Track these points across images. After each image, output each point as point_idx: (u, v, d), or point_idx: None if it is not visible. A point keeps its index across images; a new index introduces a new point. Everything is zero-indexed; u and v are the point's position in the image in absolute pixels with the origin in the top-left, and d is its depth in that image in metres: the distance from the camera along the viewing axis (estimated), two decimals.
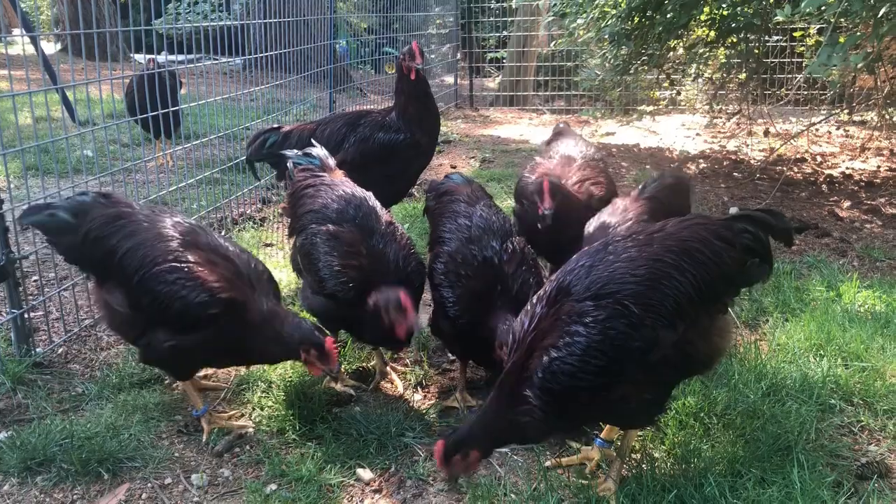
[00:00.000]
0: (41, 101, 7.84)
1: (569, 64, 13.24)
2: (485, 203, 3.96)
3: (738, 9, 6.89)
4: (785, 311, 4.60)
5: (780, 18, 5.02)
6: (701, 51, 8.49)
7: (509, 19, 14.52)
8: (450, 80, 14.17)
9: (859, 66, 5.15)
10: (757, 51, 8.62)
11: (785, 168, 8.68)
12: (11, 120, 5.67)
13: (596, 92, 11.37)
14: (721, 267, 2.82)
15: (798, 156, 9.26)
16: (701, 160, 9.21)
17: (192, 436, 3.49)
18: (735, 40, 8.07)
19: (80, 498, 3.04)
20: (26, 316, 4.01)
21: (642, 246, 2.83)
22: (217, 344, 3.24)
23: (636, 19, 8.09)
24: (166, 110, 5.77)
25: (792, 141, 9.34)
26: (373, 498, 3.08)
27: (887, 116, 8.51)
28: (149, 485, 3.14)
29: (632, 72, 8.56)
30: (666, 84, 9.36)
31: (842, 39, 5.77)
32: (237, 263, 3.32)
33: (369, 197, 3.89)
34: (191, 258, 3.20)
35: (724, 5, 7.08)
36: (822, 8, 5.49)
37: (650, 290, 2.68)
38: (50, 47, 18.98)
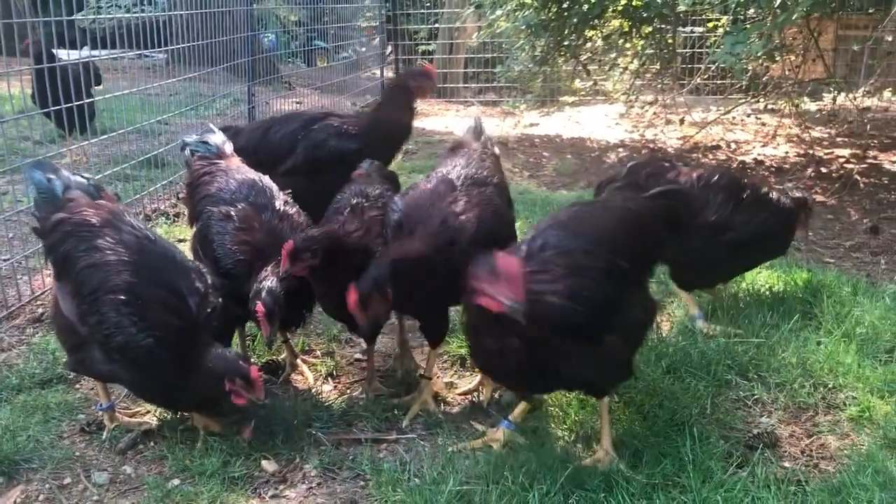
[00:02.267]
0: None
1: (498, 56, 13.33)
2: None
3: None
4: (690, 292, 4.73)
5: (682, 8, 5.15)
6: (618, 41, 8.65)
7: (438, 11, 14.54)
8: (379, 72, 14.10)
9: (759, 54, 5.31)
10: (672, 41, 8.84)
11: (700, 155, 8.93)
12: None
13: (520, 83, 11.50)
14: (651, 235, 3.31)
15: (713, 143, 9.52)
16: (620, 149, 9.39)
17: (94, 434, 3.43)
18: (650, 30, 8.24)
19: None
20: None
21: (602, 215, 3.31)
22: (149, 383, 3.17)
23: (553, 10, 8.21)
24: (70, 105, 5.60)
25: (707, 129, 9.60)
26: (277, 489, 3.08)
27: (795, 104, 8.80)
28: (47, 485, 3.07)
29: (550, 62, 8.67)
30: (584, 75, 9.49)
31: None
32: (187, 301, 3.13)
33: (264, 178, 3.86)
34: (145, 293, 3.05)
35: None
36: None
37: (626, 248, 3.06)
38: None
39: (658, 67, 8.90)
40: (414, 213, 3.41)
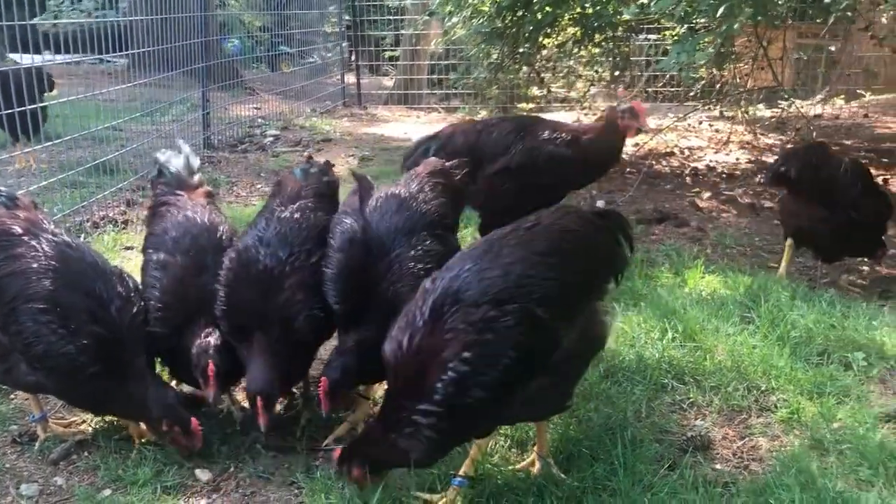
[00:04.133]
0: None
1: (459, 62, 13.37)
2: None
3: (600, 8, 7.14)
4: (633, 296, 4.79)
5: (626, 17, 5.23)
6: (572, 49, 8.74)
7: (402, 18, 14.57)
8: (345, 78, 14.07)
9: (704, 62, 5.41)
10: (627, 48, 8.96)
11: (654, 161, 9.04)
12: None
13: (477, 90, 11.54)
14: (598, 253, 2.98)
15: (667, 150, 9.65)
16: None
17: (27, 446, 3.38)
18: (602, 38, 8.34)
19: None
20: None
21: (527, 243, 2.83)
22: (76, 392, 3.15)
23: (508, 18, 8.27)
24: (20, 110, 5.54)
25: (662, 136, 9.72)
26: (210, 498, 3.06)
27: (745, 112, 8.96)
28: None
29: (505, 70, 8.74)
30: (538, 83, 9.57)
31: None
32: (113, 314, 3.11)
33: (217, 228, 3.64)
34: (65, 301, 3.02)
35: (586, 4, 7.32)
36: (672, 7, 5.76)
37: (550, 290, 2.68)
38: None
39: (612, 75, 8.98)
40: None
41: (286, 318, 3.18)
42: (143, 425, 3.33)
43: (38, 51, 11.72)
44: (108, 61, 13.28)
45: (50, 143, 6.52)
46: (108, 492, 3.05)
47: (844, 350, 4.03)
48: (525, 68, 9.17)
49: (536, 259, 2.74)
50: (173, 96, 9.50)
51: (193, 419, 3.09)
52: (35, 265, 3.05)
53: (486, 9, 8.31)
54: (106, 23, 8.50)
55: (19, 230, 3.15)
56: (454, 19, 8.78)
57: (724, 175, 8.46)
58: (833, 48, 8.66)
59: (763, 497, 2.90)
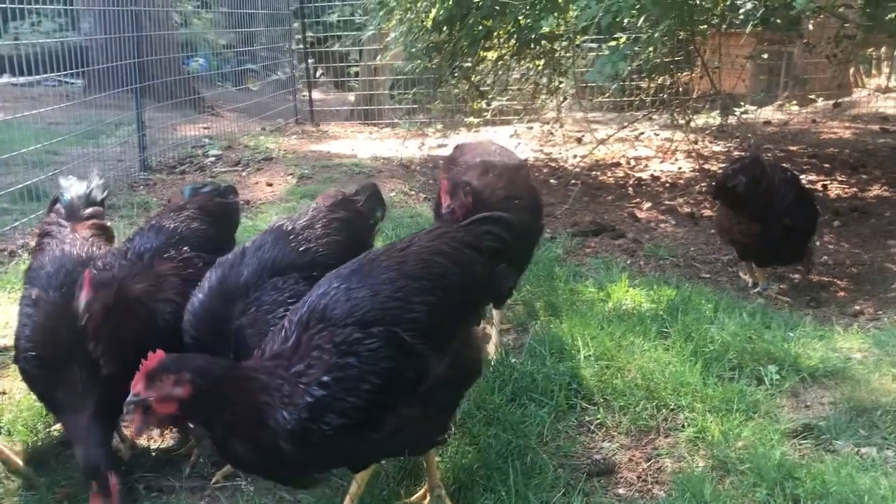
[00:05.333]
0: None
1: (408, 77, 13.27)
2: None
3: (531, 21, 7.07)
4: (554, 313, 4.69)
5: (545, 29, 5.16)
6: (510, 61, 8.69)
7: (360, 34, 14.47)
8: (306, 94, 13.93)
9: (626, 72, 5.35)
10: (570, 58, 8.89)
11: (599, 172, 9.00)
12: None
13: (420, 105, 11.39)
14: (474, 276, 2.79)
15: (614, 160, 9.60)
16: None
17: None
18: (539, 50, 8.29)
19: None
20: None
21: (398, 265, 2.70)
22: None
23: (444, 31, 8.19)
24: None
25: (607, 147, 9.69)
26: None
27: (686, 120, 8.96)
28: None
29: (444, 84, 8.66)
30: (476, 96, 9.50)
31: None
32: None
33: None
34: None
35: (519, 17, 7.25)
36: (594, 18, 5.69)
37: (420, 314, 2.56)
38: None
39: (552, 86, 8.93)
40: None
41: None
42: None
43: None
44: (67, 83, 13.12)
45: None
46: None
47: (758, 363, 3.95)
48: (464, 82, 9.08)
49: (406, 281, 2.62)
50: (124, 117, 9.32)
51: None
52: None
53: (427, 24, 8.23)
54: (63, 44, 8.41)
55: None
56: (392, 34, 8.69)
57: (667, 184, 8.42)
58: (766, 56, 8.63)
59: None
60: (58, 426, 3.60)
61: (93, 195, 3.96)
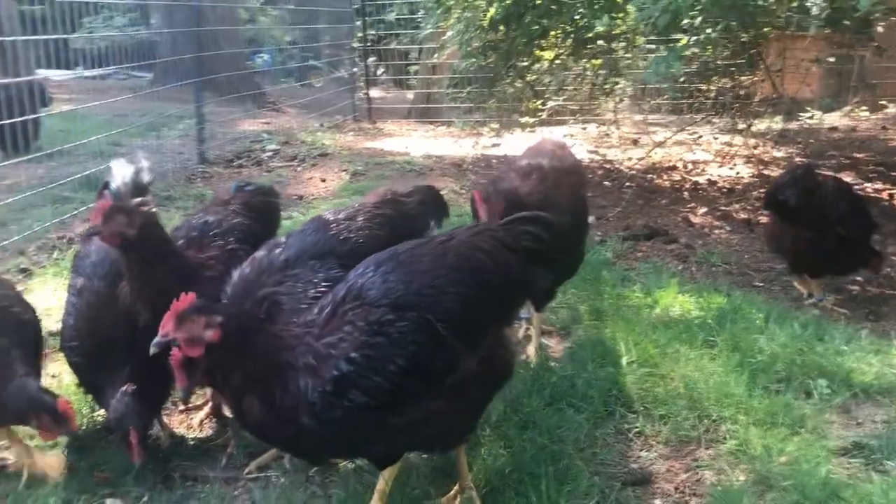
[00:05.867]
0: None
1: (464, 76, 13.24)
2: None
3: (586, 21, 6.99)
4: (599, 317, 4.62)
5: (600, 28, 5.08)
6: (567, 61, 8.60)
7: (418, 32, 14.53)
8: (365, 93, 14.04)
9: (679, 74, 5.24)
10: (629, 58, 8.77)
11: (655, 176, 8.84)
12: None
13: (513, 104, 11.38)
14: (510, 275, 2.77)
15: (671, 164, 9.42)
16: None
17: None
18: (594, 49, 8.18)
19: None
20: None
21: (437, 256, 2.70)
22: None
23: (501, 30, 8.16)
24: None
25: (664, 150, 9.51)
26: None
27: (748, 124, 8.74)
28: None
29: (500, 83, 8.62)
30: (531, 96, 9.42)
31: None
32: None
33: None
34: None
35: (575, 17, 7.17)
36: (650, 18, 5.59)
37: (454, 306, 2.55)
38: None
39: (609, 87, 8.81)
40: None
41: None
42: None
43: (68, 66, 12.03)
44: (136, 76, 13.53)
45: (32, 155, 6.51)
46: None
47: (808, 376, 3.82)
48: (519, 81, 9.01)
49: (444, 272, 2.61)
50: (187, 110, 9.52)
51: (61, 400, 2.98)
52: None
53: (484, 22, 8.21)
54: (133, 38, 8.71)
55: None
56: (449, 33, 8.68)
57: (724, 190, 8.22)
58: (832, 59, 8.35)
59: None
60: (101, 411, 3.69)
61: (140, 181, 4.04)
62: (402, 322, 2.46)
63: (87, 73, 14.78)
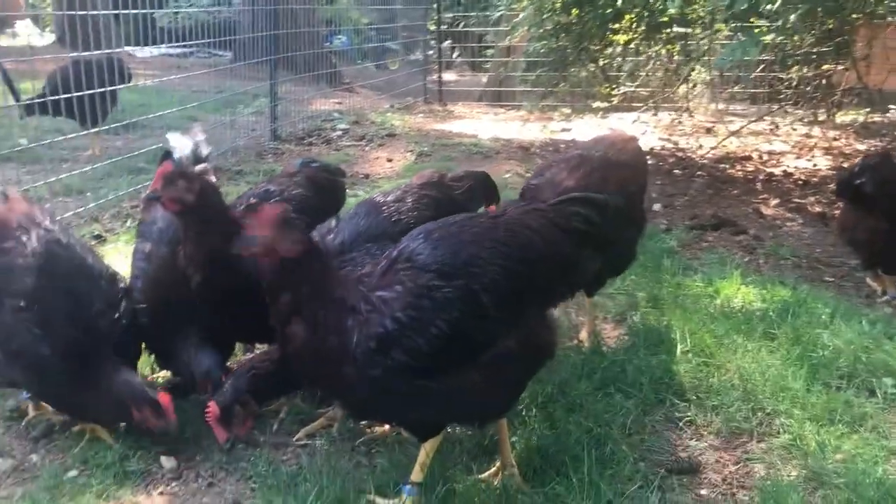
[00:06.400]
0: None
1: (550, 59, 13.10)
2: None
3: (660, 4, 6.83)
4: (656, 305, 4.54)
5: (672, 11, 4.97)
6: (640, 45, 8.43)
7: (493, 14, 14.46)
8: (433, 75, 14.08)
9: (755, 59, 5.09)
10: (705, 44, 8.53)
11: (728, 165, 8.61)
12: None
13: (584, 89, 11.26)
14: (558, 255, 2.77)
15: (745, 154, 9.17)
16: (647, 157, 9.12)
17: (16, 422, 3.47)
18: (669, 34, 7.99)
19: None
20: None
21: (487, 230, 2.73)
22: (47, 391, 3.22)
23: (575, 13, 8.05)
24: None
25: (739, 139, 9.27)
26: (168, 486, 3.06)
27: (829, 114, 8.42)
28: None
29: (572, 67, 8.51)
30: (603, 80, 9.26)
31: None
32: (92, 317, 3.14)
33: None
34: (45, 300, 3.07)
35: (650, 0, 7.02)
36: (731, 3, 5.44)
37: (499, 280, 2.57)
38: (46, 37, 19.25)
39: (684, 73, 8.60)
40: None
41: None
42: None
43: (154, 43, 12.40)
44: (216, 54, 13.88)
45: (110, 125, 6.76)
46: (73, 472, 3.10)
47: (872, 375, 3.68)
48: (591, 65, 8.88)
49: (492, 245, 2.63)
50: (263, 88, 9.73)
51: (162, 395, 3.08)
52: (21, 261, 3.10)
53: (557, 4, 8.12)
54: (215, 17, 8.96)
55: (12, 225, 3.22)
56: (522, 14, 8.62)
57: (799, 182, 7.96)
58: None
59: None
60: (161, 374, 3.83)
61: (199, 152, 4.15)
62: (447, 288, 2.49)
63: (171, 50, 15.26)
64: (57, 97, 6.21)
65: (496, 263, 2.58)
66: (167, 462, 3.18)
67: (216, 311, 3.24)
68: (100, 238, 5.70)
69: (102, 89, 6.49)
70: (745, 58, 5.26)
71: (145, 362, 3.80)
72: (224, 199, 3.39)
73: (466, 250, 2.59)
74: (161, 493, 3.02)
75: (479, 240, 2.64)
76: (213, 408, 2.95)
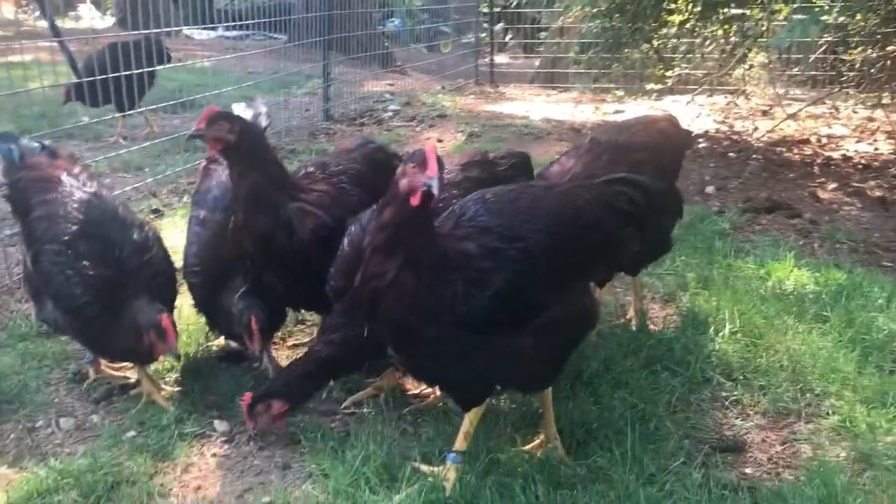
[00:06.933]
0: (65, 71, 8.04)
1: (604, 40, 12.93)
2: None
3: None
4: (706, 286, 4.50)
5: None
6: (696, 26, 8.28)
7: None
8: (485, 58, 14.04)
9: (815, 37, 4.97)
10: (764, 24, 8.34)
11: (785, 149, 8.42)
12: (26, 86, 6.13)
13: (638, 70, 11.13)
14: (602, 230, 2.83)
15: (803, 137, 8.95)
16: (701, 139, 8.98)
17: (78, 384, 3.62)
18: (726, 14, 7.83)
19: None
20: None
21: (539, 198, 2.82)
22: (87, 333, 3.37)
23: None
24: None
25: (797, 123, 9.05)
26: (221, 447, 3.17)
27: (893, 98, 8.17)
28: (20, 426, 3.29)
29: (625, 49, 8.41)
30: (657, 62, 9.12)
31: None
32: (122, 259, 3.28)
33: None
34: (81, 248, 3.23)
35: None
36: None
37: (551, 245, 2.65)
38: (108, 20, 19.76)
39: (740, 54, 8.41)
40: None
41: None
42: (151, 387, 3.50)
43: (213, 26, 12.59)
44: (271, 37, 14.08)
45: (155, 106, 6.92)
46: (132, 433, 3.23)
47: None
48: (645, 46, 8.75)
49: (545, 213, 2.72)
50: (317, 70, 9.84)
51: (165, 317, 3.18)
52: (60, 211, 3.29)
53: None
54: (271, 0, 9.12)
55: (55, 179, 3.40)
56: None
57: (859, 166, 7.75)
58: None
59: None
60: (216, 341, 3.94)
61: (259, 122, 4.24)
62: (510, 250, 2.57)
63: (227, 33, 15.48)
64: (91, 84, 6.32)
65: (550, 230, 2.66)
66: (220, 425, 3.30)
67: (267, 272, 3.33)
68: (157, 212, 5.87)
69: (132, 72, 6.46)
70: (805, 38, 5.10)
71: (200, 331, 3.92)
72: (268, 143, 3.45)
73: (524, 215, 2.67)
74: (214, 455, 3.13)
75: (534, 207, 2.73)
76: (246, 398, 3.06)
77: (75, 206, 3.32)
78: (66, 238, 3.22)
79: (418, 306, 2.50)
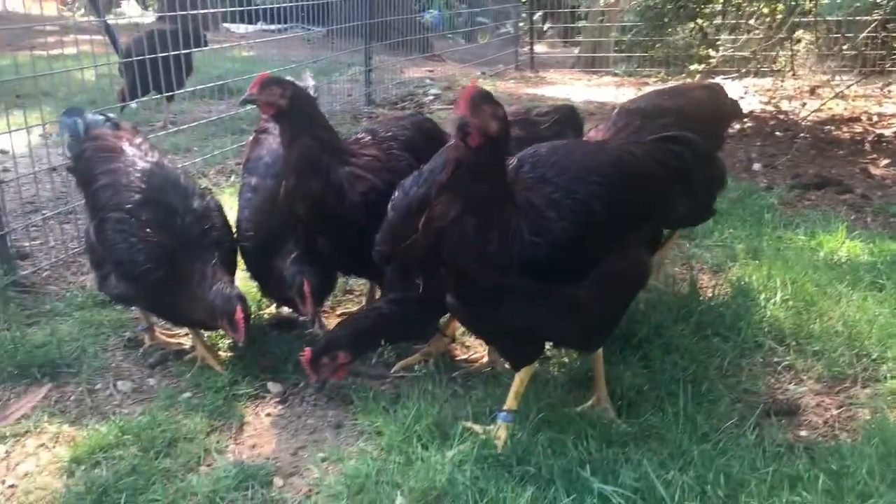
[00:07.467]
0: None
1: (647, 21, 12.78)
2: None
3: None
4: (755, 256, 4.44)
5: None
6: (740, 4, 8.14)
7: None
8: (525, 48, 14.01)
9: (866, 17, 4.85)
10: (811, 4, 8.18)
11: (833, 127, 8.26)
12: (76, 77, 6.30)
13: (682, 51, 10.98)
14: (653, 184, 2.86)
15: (853, 115, 8.77)
16: (746, 119, 8.84)
17: (134, 350, 3.71)
18: None
19: (12, 395, 3.32)
20: (8, 240, 4.36)
21: (596, 152, 2.87)
22: (151, 300, 3.43)
23: None
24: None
25: (847, 102, 8.87)
26: (275, 408, 3.23)
27: None
28: (80, 388, 3.37)
29: (668, 27, 8.29)
30: (702, 41, 8.97)
31: None
32: (184, 226, 3.32)
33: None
34: (144, 215, 3.28)
35: None
36: None
37: (607, 197, 2.66)
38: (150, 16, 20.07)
39: (787, 32, 8.25)
40: None
41: None
42: (205, 352, 3.56)
43: (251, 20, 12.73)
44: (310, 29, 14.20)
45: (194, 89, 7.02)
46: (187, 394, 3.30)
47: None
48: (689, 25, 8.63)
49: (600, 167, 2.74)
50: (353, 57, 9.93)
51: (238, 309, 3.18)
52: (123, 180, 3.35)
53: None
54: None
55: (118, 149, 3.47)
56: None
57: None
58: None
59: (829, 462, 2.62)
60: (268, 309, 4.00)
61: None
62: (569, 200, 2.59)
63: (268, 26, 15.62)
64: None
65: (607, 183, 2.68)
66: (274, 387, 3.35)
67: (318, 237, 3.37)
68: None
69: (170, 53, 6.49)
70: (853, 6, 4.99)
71: (252, 299, 3.98)
72: (318, 109, 3.48)
73: (582, 167, 2.71)
74: (268, 415, 3.18)
75: (588, 161, 2.75)
76: (307, 353, 3.06)
77: (138, 175, 3.38)
78: (129, 206, 3.28)
79: (479, 250, 2.51)
